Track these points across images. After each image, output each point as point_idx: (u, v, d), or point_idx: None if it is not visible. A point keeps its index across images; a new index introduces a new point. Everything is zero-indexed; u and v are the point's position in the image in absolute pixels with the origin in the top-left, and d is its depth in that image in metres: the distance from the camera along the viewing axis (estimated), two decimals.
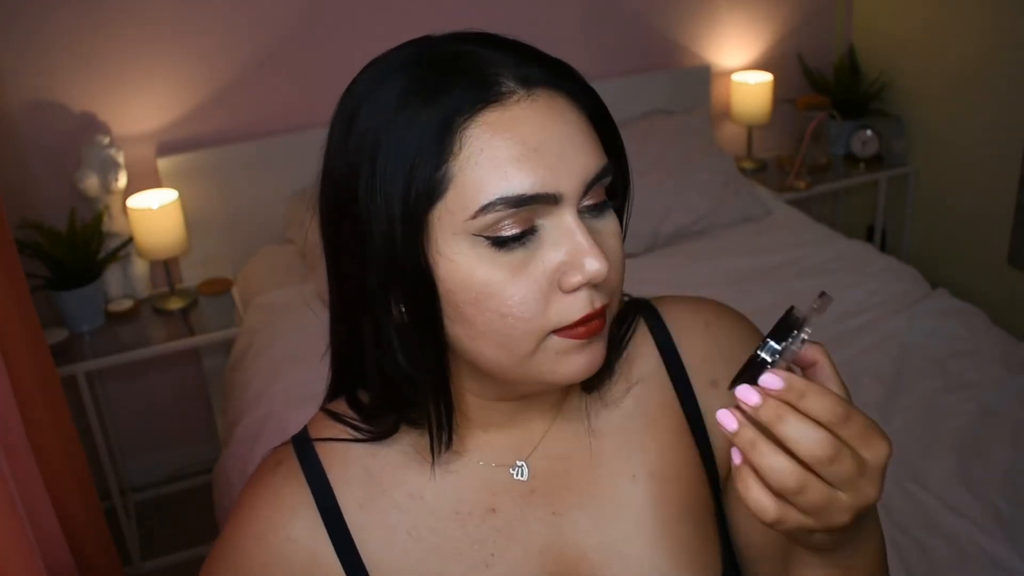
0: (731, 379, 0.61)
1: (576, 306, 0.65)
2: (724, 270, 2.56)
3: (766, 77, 3.07)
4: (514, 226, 0.63)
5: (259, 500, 0.77)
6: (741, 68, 3.21)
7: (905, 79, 3.17)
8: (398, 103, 0.64)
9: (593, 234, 0.65)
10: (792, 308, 0.60)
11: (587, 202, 0.66)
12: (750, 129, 3.21)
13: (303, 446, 0.78)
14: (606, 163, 0.66)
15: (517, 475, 0.77)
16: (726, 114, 3.25)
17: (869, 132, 3.15)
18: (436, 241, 0.64)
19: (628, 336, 0.81)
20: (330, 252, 0.71)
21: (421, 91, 0.63)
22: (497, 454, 0.77)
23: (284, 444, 0.80)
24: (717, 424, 0.78)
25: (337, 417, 0.78)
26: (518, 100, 0.63)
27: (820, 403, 0.56)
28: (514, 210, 0.62)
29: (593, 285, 0.65)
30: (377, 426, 0.76)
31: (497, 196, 0.62)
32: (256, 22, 2.62)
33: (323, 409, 0.81)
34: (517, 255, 0.63)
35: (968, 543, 1.67)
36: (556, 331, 0.65)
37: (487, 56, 0.65)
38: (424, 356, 0.68)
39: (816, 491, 0.56)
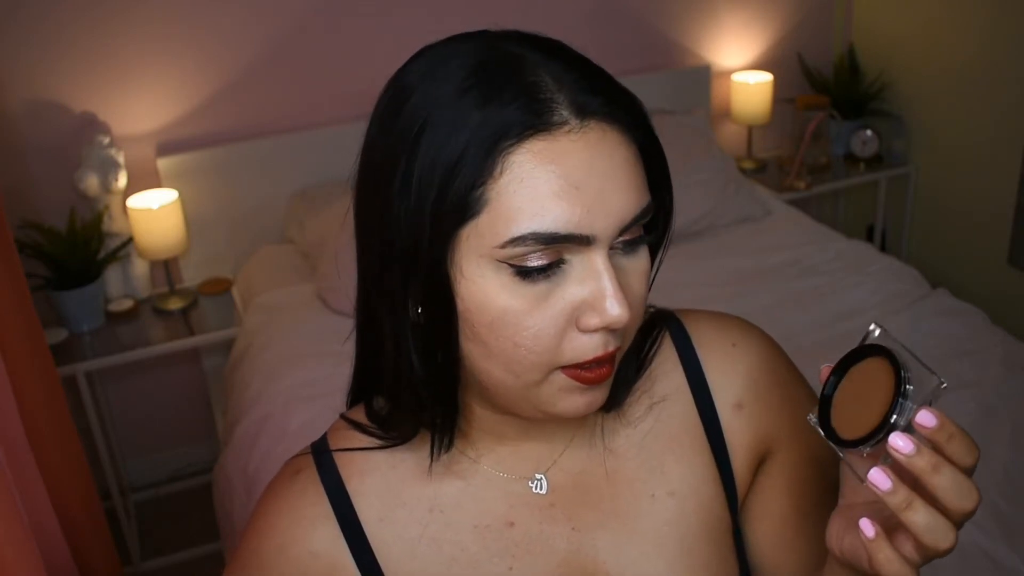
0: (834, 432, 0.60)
1: (589, 346, 0.64)
2: (724, 270, 2.56)
3: (766, 77, 3.07)
4: (541, 258, 0.61)
5: (279, 511, 0.75)
6: (741, 68, 3.21)
7: (905, 79, 3.17)
8: (449, 102, 0.61)
9: (620, 273, 0.64)
10: (900, 367, 0.58)
11: (622, 238, 0.64)
12: (750, 129, 3.21)
13: (322, 456, 0.77)
14: (648, 203, 0.64)
15: (536, 488, 0.76)
16: (726, 114, 3.25)
17: (869, 132, 3.15)
18: (461, 259, 0.62)
19: (652, 353, 0.80)
20: (359, 237, 0.69)
21: (474, 97, 0.61)
22: (515, 466, 0.76)
23: (303, 452, 0.79)
24: (740, 446, 0.78)
25: (357, 425, 0.77)
26: (568, 131, 0.60)
27: (965, 446, 0.55)
28: (543, 246, 0.61)
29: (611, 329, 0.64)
30: (394, 432, 0.75)
31: (529, 231, 0.60)
32: (256, 22, 2.62)
33: (343, 417, 0.80)
34: (540, 287, 0.62)
35: (968, 543, 1.67)
36: (564, 367, 0.65)
37: (549, 73, 0.62)
38: (436, 362, 0.68)
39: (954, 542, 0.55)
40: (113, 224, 2.52)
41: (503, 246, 0.60)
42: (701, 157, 2.82)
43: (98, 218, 2.46)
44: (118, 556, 2.01)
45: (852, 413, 0.60)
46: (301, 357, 2.20)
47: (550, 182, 0.60)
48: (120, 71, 2.52)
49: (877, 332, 0.61)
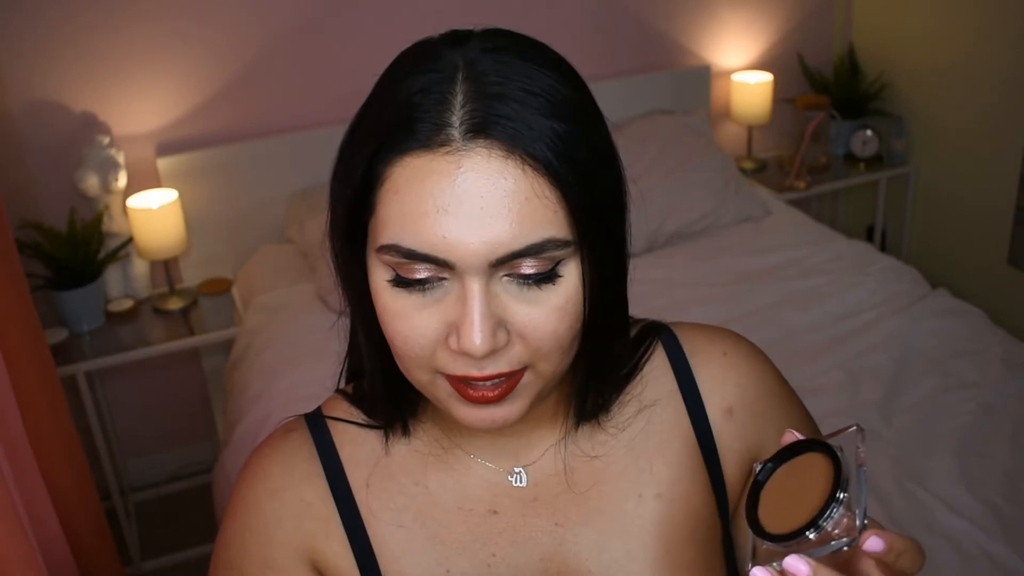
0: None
1: (460, 362, 0.63)
2: (724, 270, 2.56)
3: (766, 77, 3.07)
4: (420, 272, 0.62)
5: (272, 461, 0.77)
6: (741, 68, 3.21)
7: (905, 79, 3.17)
8: (375, 103, 0.65)
9: (518, 303, 0.63)
10: (841, 471, 0.56)
11: (525, 270, 0.62)
12: (750, 129, 3.21)
13: (316, 421, 0.79)
14: (542, 240, 0.60)
15: (516, 481, 0.77)
16: (726, 114, 3.25)
17: (869, 132, 3.15)
18: (368, 250, 0.65)
19: (644, 360, 0.80)
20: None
21: (387, 101, 0.63)
22: (494, 456, 0.77)
23: (295, 417, 0.81)
24: (731, 453, 0.79)
25: (350, 398, 0.79)
26: (448, 151, 0.59)
27: (911, 557, 0.55)
28: (406, 260, 0.61)
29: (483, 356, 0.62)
30: (379, 418, 0.77)
31: (392, 242, 0.61)
32: (257, 22, 2.62)
33: (338, 391, 0.81)
34: (415, 297, 0.63)
35: (968, 543, 1.67)
36: (445, 374, 0.65)
37: (464, 88, 0.61)
38: (372, 345, 0.71)
39: None
40: (113, 224, 2.52)
41: (378, 250, 0.63)
42: (701, 157, 2.82)
43: (98, 218, 2.46)
44: (118, 556, 2.01)
45: (780, 505, 0.59)
46: (301, 357, 2.20)
47: (417, 201, 0.60)
48: (120, 71, 2.52)
49: (852, 429, 0.58)
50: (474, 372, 0.63)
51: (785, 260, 2.60)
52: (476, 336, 0.61)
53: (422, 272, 0.62)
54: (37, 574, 1.29)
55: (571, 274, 0.63)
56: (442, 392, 0.66)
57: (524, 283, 0.62)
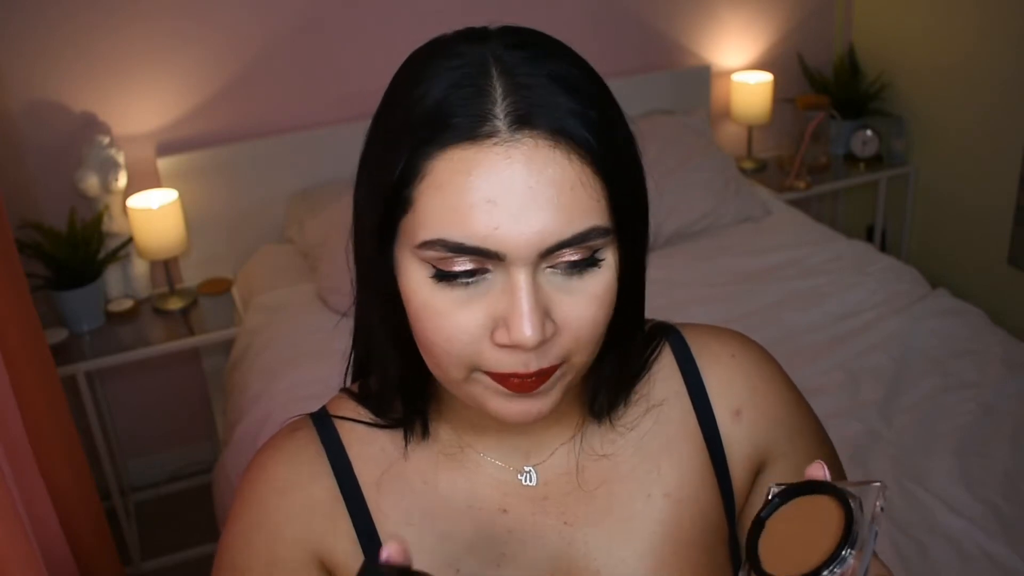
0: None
1: (506, 360, 0.63)
2: (724, 270, 2.56)
3: (766, 77, 3.07)
4: (464, 264, 0.61)
5: (276, 461, 0.76)
6: (741, 68, 3.21)
7: (905, 79, 3.17)
8: (404, 95, 0.63)
9: (561, 293, 0.63)
10: (852, 520, 0.54)
11: (568, 258, 0.62)
12: (750, 129, 3.21)
13: (322, 420, 0.78)
14: (589, 228, 0.61)
15: (525, 480, 0.77)
16: (726, 114, 3.25)
17: (869, 132, 3.16)
18: (399, 249, 0.64)
19: (652, 360, 0.80)
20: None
21: (422, 95, 0.62)
22: (504, 455, 0.77)
23: (300, 416, 0.80)
24: (739, 455, 0.79)
25: (356, 397, 0.78)
26: (496, 143, 0.59)
27: None
28: (452, 254, 0.60)
29: (529, 349, 0.62)
30: (390, 415, 0.76)
31: (437, 237, 0.60)
32: (257, 22, 2.62)
33: (344, 389, 0.81)
34: (458, 292, 0.62)
35: (968, 543, 1.67)
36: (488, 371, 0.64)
37: (505, 81, 0.61)
38: (393, 344, 0.70)
39: None
40: (113, 224, 2.52)
41: (419, 247, 0.62)
42: (701, 157, 2.82)
43: (98, 218, 2.46)
44: (118, 556, 2.01)
45: (782, 544, 0.57)
46: (301, 357, 2.20)
47: (464, 194, 0.59)
48: (120, 71, 2.52)
49: (876, 485, 0.57)
50: (520, 370, 0.63)
51: (785, 260, 2.60)
52: (527, 327, 0.60)
53: (465, 263, 0.61)
54: (37, 574, 1.29)
55: (608, 263, 0.64)
56: (478, 387, 0.65)
57: (566, 273, 0.63)
